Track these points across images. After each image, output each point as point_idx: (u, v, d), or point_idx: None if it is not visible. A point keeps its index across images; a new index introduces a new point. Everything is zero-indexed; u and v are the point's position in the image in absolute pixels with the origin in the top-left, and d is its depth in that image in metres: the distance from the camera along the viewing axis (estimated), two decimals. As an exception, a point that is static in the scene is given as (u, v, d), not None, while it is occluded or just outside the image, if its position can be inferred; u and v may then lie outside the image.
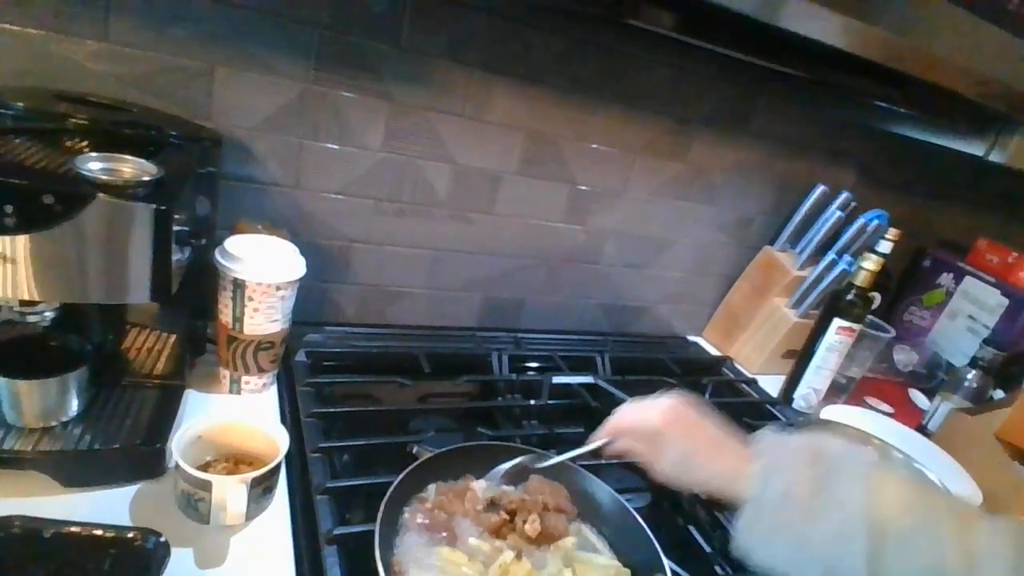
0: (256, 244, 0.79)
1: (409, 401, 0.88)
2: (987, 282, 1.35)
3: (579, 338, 1.17)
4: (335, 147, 0.90)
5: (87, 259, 0.61)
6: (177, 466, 0.60)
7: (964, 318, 1.39)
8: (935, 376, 1.42)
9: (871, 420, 1.14)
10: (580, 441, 0.87)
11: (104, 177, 0.56)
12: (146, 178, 0.58)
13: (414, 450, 0.78)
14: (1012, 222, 1.62)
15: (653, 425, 0.59)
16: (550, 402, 0.92)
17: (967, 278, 1.40)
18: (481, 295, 1.11)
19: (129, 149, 0.62)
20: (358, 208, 0.95)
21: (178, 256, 0.65)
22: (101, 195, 0.55)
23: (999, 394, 1.19)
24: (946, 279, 1.45)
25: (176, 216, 0.62)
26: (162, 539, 0.53)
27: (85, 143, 0.65)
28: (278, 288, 0.76)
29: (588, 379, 0.98)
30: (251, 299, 0.75)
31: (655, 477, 0.59)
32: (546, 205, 1.08)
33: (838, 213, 1.20)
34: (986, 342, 1.22)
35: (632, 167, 1.10)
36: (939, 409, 1.21)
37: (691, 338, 1.34)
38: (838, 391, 1.22)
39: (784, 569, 0.46)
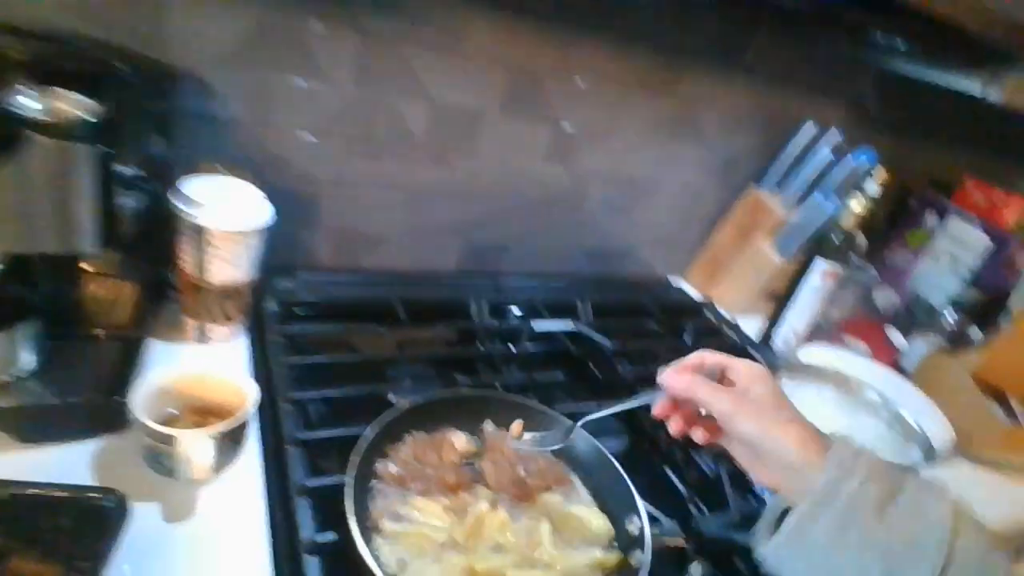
0: (218, 188, 0.74)
1: (386, 349, 0.85)
2: (972, 223, 1.34)
3: (561, 282, 1.14)
4: (302, 82, 0.84)
5: (28, 205, 0.57)
6: (139, 420, 0.58)
7: (947, 259, 1.39)
8: (914, 317, 1.43)
9: (848, 360, 1.15)
10: (559, 388, 0.87)
11: (40, 115, 0.51)
12: (87, 116, 0.53)
13: (391, 397, 0.76)
14: (1001, 162, 1.60)
15: (756, 370, 0.51)
16: (530, 349, 0.91)
17: (952, 218, 1.38)
18: (461, 240, 1.08)
19: (70, 84, 0.57)
20: (329, 148, 0.90)
21: (129, 201, 0.61)
22: (36, 135, 0.50)
23: (977, 335, 1.20)
24: (931, 220, 1.44)
25: (124, 158, 0.58)
26: (121, 498, 0.52)
27: (19, 78, 0.59)
28: (242, 235, 0.72)
29: (568, 325, 0.96)
30: (213, 246, 0.71)
31: (725, 437, 0.51)
32: (529, 146, 1.03)
33: (827, 153, 1.17)
34: (967, 283, 1.22)
35: (619, 105, 1.05)
36: (916, 349, 1.22)
37: (674, 281, 1.32)
38: (818, 332, 1.22)
39: (835, 569, 0.43)
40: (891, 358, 1.25)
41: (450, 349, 0.91)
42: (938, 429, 1.00)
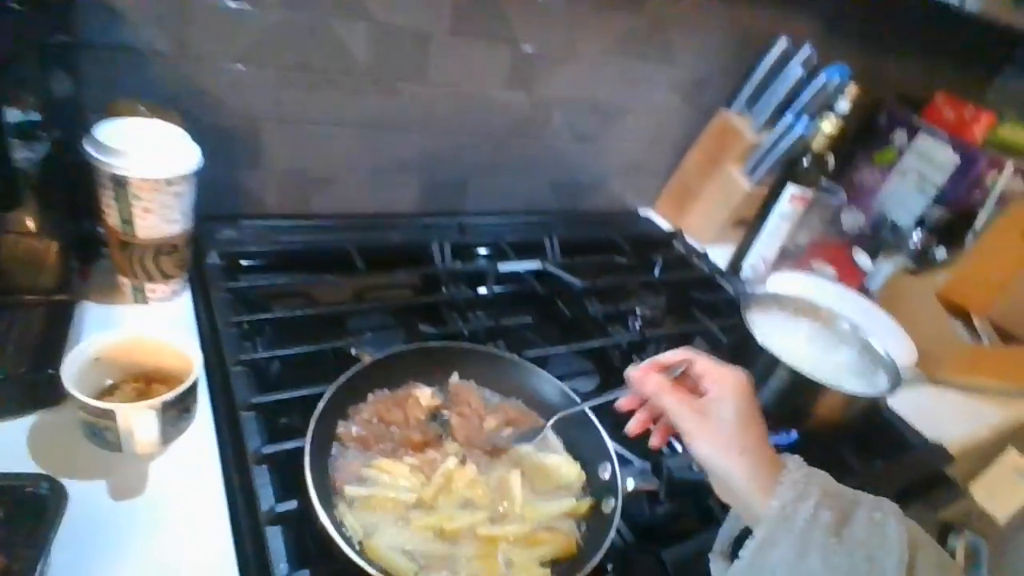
0: (137, 130, 0.66)
1: (343, 300, 0.80)
2: (940, 139, 1.32)
3: (527, 219, 1.10)
4: (228, 2, 0.75)
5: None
6: (73, 395, 0.53)
7: (914, 177, 1.38)
8: (880, 237, 1.43)
9: (815, 285, 1.15)
10: (529, 330, 0.84)
11: None
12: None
13: (353, 352, 0.73)
14: (973, 75, 1.57)
15: (735, 383, 0.48)
16: (497, 290, 0.87)
17: (921, 135, 1.36)
18: (418, 177, 1.01)
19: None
20: (261, 79, 0.81)
21: (26, 152, 0.54)
22: None
23: (942, 254, 1.20)
24: (899, 136, 1.41)
25: (18, 101, 0.50)
26: (56, 484, 0.47)
27: None
28: (169, 183, 0.65)
29: (536, 265, 0.92)
30: (138, 198, 0.64)
31: (690, 447, 0.48)
32: (485, 71, 0.95)
33: (799, 71, 1.12)
34: (934, 201, 1.22)
35: (582, 23, 0.97)
36: (882, 270, 1.22)
37: (643, 212, 1.29)
38: (786, 257, 1.21)
39: None
40: (858, 281, 1.25)
41: (412, 296, 0.87)
42: (902, 349, 1.01)
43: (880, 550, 0.40)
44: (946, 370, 1.00)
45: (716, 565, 0.49)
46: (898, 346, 1.02)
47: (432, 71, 0.91)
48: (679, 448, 0.70)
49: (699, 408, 0.48)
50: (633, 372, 0.52)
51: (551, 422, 0.61)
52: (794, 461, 0.46)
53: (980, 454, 1.06)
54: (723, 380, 0.49)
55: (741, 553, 0.44)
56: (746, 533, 0.47)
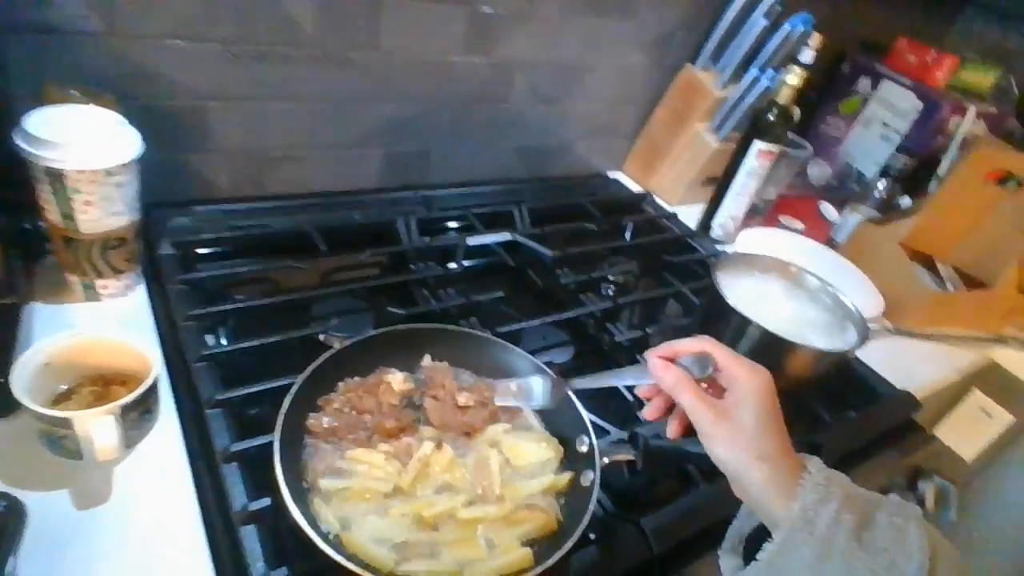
0: (71, 118, 0.62)
1: (307, 285, 0.78)
2: (903, 85, 1.32)
3: (494, 188, 1.07)
4: (156, -26, 0.70)
5: None
6: (24, 404, 0.51)
7: (878, 125, 1.38)
8: (845, 187, 1.44)
9: (784, 241, 1.16)
10: (502, 304, 0.83)
11: None
12: None
13: (321, 338, 0.71)
14: (934, 19, 1.57)
15: (757, 385, 0.46)
16: (468, 265, 0.85)
17: (884, 83, 1.36)
18: (379, 151, 0.97)
19: None
20: (202, 55, 0.76)
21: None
22: None
23: (906, 202, 1.21)
24: (863, 85, 1.41)
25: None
26: (13, 501, 0.46)
27: None
28: (109, 173, 0.61)
29: (506, 236, 0.90)
30: (77, 191, 0.60)
31: (707, 448, 0.46)
32: (442, 35, 0.91)
33: (763, 21, 1.09)
34: (898, 149, 1.22)
35: (538, -21, 0.94)
36: (848, 221, 1.23)
37: (611, 175, 1.27)
38: (754, 214, 1.21)
39: None
40: (825, 234, 1.26)
41: (380, 277, 0.85)
42: (869, 299, 1.03)
43: (901, 556, 0.40)
44: (912, 318, 1.02)
45: (726, 562, 0.48)
46: (865, 298, 1.03)
47: (385, 38, 0.87)
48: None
49: (718, 409, 0.46)
50: (654, 362, 0.50)
51: (570, 389, 0.60)
52: (814, 463, 0.45)
53: (946, 398, 1.09)
54: (745, 381, 0.46)
55: (759, 556, 0.43)
56: (759, 531, 0.47)
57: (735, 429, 0.45)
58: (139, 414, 0.55)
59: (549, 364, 0.65)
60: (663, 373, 0.49)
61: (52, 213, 0.62)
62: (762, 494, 0.44)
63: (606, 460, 0.57)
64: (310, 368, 0.58)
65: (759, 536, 0.45)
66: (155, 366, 0.56)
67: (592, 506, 0.53)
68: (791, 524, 0.42)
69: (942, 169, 1.21)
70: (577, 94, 1.11)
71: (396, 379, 0.61)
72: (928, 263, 1.13)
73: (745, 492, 0.45)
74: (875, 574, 0.40)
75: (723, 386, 0.48)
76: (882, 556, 0.40)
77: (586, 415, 0.61)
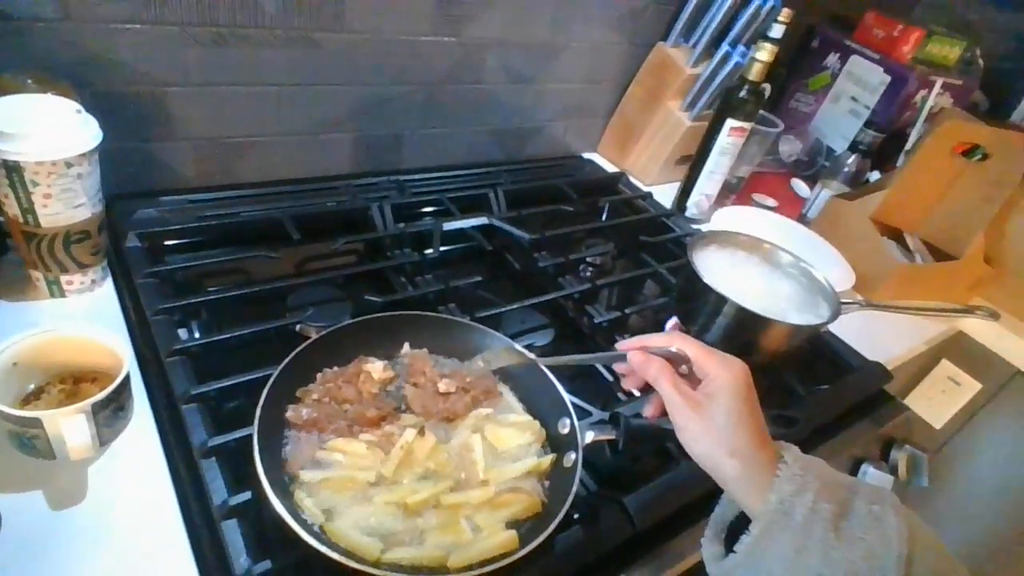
0: (26, 108, 0.60)
1: (281, 275, 0.76)
2: (871, 59, 1.33)
3: (469, 172, 1.06)
4: (108, -46, 0.67)
5: None
6: (-9, 406, 0.49)
7: (847, 100, 1.39)
8: (816, 163, 1.45)
9: (757, 218, 1.17)
10: (480, 288, 0.82)
11: None
12: None
13: (298, 328, 0.70)
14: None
15: (729, 380, 0.46)
16: (444, 250, 0.84)
17: (852, 58, 1.37)
18: (350, 135, 0.96)
19: None
20: (160, 39, 0.74)
21: None
22: None
23: (875, 176, 1.23)
24: (832, 60, 1.42)
25: None
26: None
27: None
28: (68, 164, 0.59)
29: (482, 220, 0.90)
30: (36, 183, 0.58)
31: (681, 440, 0.47)
32: (409, 13, 0.89)
33: (733, -5, 1.09)
34: (866, 124, 1.24)
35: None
36: (819, 196, 1.25)
37: (586, 155, 1.27)
38: (728, 191, 1.22)
39: None
40: (797, 210, 1.28)
41: (356, 264, 0.84)
42: (840, 274, 1.05)
43: (879, 544, 0.40)
44: (882, 291, 1.04)
45: (708, 549, 0.49)
46: (837, 272, 1.05)
47: (350, 18, 0.85)
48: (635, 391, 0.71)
49: (692, 402, 0.47)
50: (632, 354, 0.51)
51: (543, 362, 0.61)
52: (791, 453, 0.45)
53: (916, 368, 1.12)
54: (715, 376, 0.47)
55: (737, 547, 0.43)
56: (741, 519, 0.47)
57: (706, 425, 0.46)
58: (112, 411, 0.54)
59: (530, 347, 0.66)
60: (646, 364, 0.49)
61: (11, 207, 0.60)
62: (737, 488, 0.45)
63: (588, 440, 0.58)
64: (287, 359, 0.57)
65: (742, 522, 0.46)
66: (127, 362, 0.54)
67: (576, 486, 0.54)
68: (768, 516, 0.42)
69: (909, 143, 1.23)
70: (550, 74, 1.10)
71: (376, 368, 0.61)
72: (897, 236, 1.15)
73: (722, 484, 0.46)
74: (853, 564, 0.40)
75: (699, 378, 0.49)
76: (860, 545, 0.40)
77: (567, 397, 0.61)
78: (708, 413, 0.46)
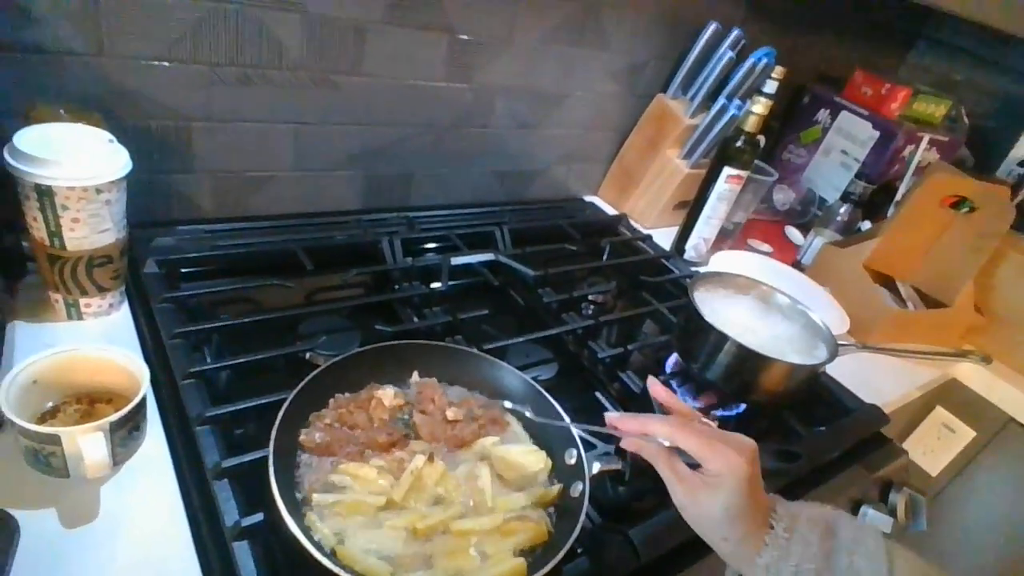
0: (60, 136, 0.62)
1: (292, 304, 0.78)
2: (860, 115, 1.40)
3: (475, 211, 1.09)
4: (144, -5, 0.71)
5: None
6: (11, 421, 0.50)
7: (837, 153, 1.45)
8: (809, 212, 1.50)
9: (754, 262, 1.20)
10: (486, 322, 0.84)
11: None
12: None
13: (308, 356, 0.71)
14: (888, 52, 1.66)
15: (728, 478, 0.46)
16: (452, 284, 0.87)
17: (842, 113, 1.44)
18: (362, 173, 0.99)
19: None
20: (189, 77, 0.77)
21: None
22: None
23: (866, 225, 1.27)
24: (823, 115, 1.48)
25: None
26: (6, 514, 0.45)
27: None
28: (98, 191, 0.61)
29: (489, 256, 0.92)
30: (66, 208, 0.60)
31: (682, 513, 0.49)
32: (424, 61, 0.94)
33: (729, 54, 1.15)
34: (857, 176, 1.29)
35: (518, 9, 0.97)
36: (812, 244, 1.28)
37: (587, 198, 1.31)
38: (725, 236, 1.26)
39: None
40: (792, 256, 1.31)
41: (365, 296, 0.86)
42: (835, 318, 1.07)
43: None
44: (876, 336, 1.07)
45: None
46: (831, 316, 1.08)
47: (368, 62, 0.89)
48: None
49: (690, 487, 0.48)
50: (627, 442, 0.53)
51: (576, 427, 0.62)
52: (777, 513, 0.47)
53: (910, 413, 1.14)
54: (718, 472, 0.46)
55: None
56: None
57: (702, 512, 0.47)
58: (127, 431, 0.55)
59: (535, 380, 0.67)
60: (643, 445, 0.52)
61: (39, 231, 0.62)
62: (729, 559, 0.48)
63: (595, 471, 0.59)
64: (301, 384, 0.58)
65: None
66: (145, 382, 0.56)
67: (583, 517, 0.54)
68: None
69: (899, 194, 1.27)
70: (554, 120, 1.15)
71: (387, 394, 0.62)
72: (889, 283, 1.19)
73: (715, 550, 0.49)
74: None
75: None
76: None
77: (574, 429, 0.63)
78: (705, 503, 0.47)
